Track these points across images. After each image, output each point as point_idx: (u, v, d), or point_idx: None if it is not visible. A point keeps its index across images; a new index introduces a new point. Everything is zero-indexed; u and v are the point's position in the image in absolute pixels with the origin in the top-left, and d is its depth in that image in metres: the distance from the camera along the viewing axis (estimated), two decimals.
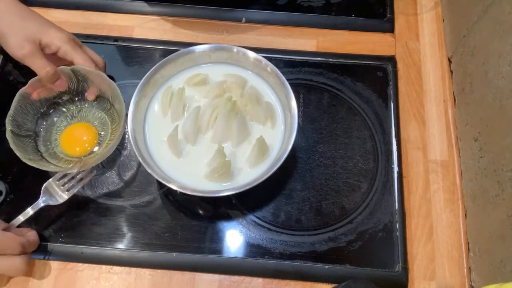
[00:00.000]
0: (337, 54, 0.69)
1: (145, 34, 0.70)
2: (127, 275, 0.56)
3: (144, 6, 0.71)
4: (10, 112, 0.56)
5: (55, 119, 0.61)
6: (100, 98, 0.62)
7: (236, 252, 0.57)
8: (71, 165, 0.58)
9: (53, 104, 0.61)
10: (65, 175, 0.57)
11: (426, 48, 0.70)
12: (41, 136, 0.60)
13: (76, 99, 0.62)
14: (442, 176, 0.61)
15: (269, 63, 0.57)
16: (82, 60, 0.58)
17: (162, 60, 0.57)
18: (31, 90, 0.58)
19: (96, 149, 0.60)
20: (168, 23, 0.71)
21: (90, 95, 0.61)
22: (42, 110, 0.60)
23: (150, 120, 0.57)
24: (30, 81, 0.57)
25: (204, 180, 0.54)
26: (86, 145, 0.60)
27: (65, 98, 0.62)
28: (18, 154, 0.54)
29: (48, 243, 0.56)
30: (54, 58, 0.58)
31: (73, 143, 0.60)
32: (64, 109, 0.62)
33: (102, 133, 0.61)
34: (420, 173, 0.61)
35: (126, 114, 0.56)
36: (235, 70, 0.60)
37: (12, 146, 0.54)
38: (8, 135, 0.54)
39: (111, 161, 0.61)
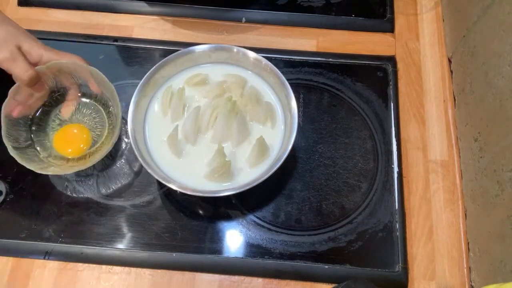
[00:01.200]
0: (337, 54, 0.69)
1: (145, 34, 0.70)
2: (127, 275, 0.56)
3: (144, 6, 0.71)
4: (2, 129, 0.55)
5: (46, 121, 0.61)
6: (84, 87, 0.61)
7: (236, 252, 0.57)
8: (82, 161, 0.58)
9: (39, 107, 0.61)
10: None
11: (426, 48, 0.70)
12: (39, 142, 0.59)
13: (59, 96, 0.61)
14: (442, 176, 0.61)
15: (269, 63, 0.57)
16: (69, 57, 0.57)
17: (162, 60, 0.57)
18: (8, 111, 0.56)
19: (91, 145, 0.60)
20: (168, 23, 0.71)
21: (67, 108, 0.61)
22: (30, 116, 0.60)
23: (150, 120, 0.57)
24: (3, 105, 0.55)
25: (204, 180, 0.54)
26: (82, 145, 0.59)
27: (49, 98, 0.61)
28: (30, 167, 0.53)
29: (48, 243, 0.56)
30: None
31: (66, 145, 0.59)
32: (52, 109, 0.61)
33: (97, 119, 0.61)
34: (420, 173, 0.61)
35: (122, 102, 0.56)
36: (235, 70, 0.60)
37: (21, 162, 0.53)
38: (12, 152, 0.54)
39: (111, 161, 0.61)
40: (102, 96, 0.61)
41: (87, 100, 0.62)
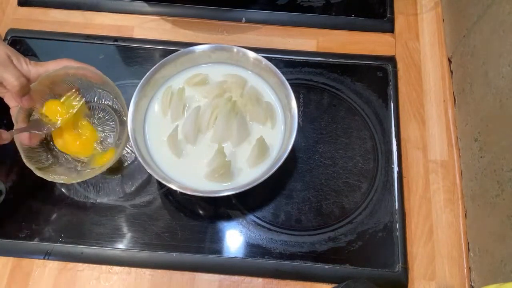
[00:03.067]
0: (337, 54, 0.69)
1: (145, 34, 0.70)
2: (127, 275, 0.56)
3: (144, 6, 0.71)
4: (22, 155, 0.53)
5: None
6: (83, 90, 0.59)
7: (236, 252, 0.57)
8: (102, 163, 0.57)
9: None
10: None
11: (426, 48, 0.70)
12: (62, 156, 0.58)
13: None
14: (442, 176, 0.61)
15: (269, 63, 0.57)
16: (56, 64, 0.55)
17: (162, 60, 0.57)
18: (22, 138, 0.54)
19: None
20: (168, 23, 0.71)
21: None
22: (44, 136, 0.58)
23: (150, 120, 0.57)
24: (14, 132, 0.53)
25: (204, 180, 0.54)
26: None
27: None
28: (64, 181, 0.53)
29: (48, 243, 0.56)
30: None
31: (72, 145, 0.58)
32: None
33: (107, 117, 0.60)
34: (420, 173, 0.61)
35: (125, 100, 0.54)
36: (235, 70, 0.60)
37: (52, 180, 0.53)
38: (39, 173, 0.53)
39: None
40: (105, 94, 0.60)
41: (93, 103, 0.61)
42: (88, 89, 0.60)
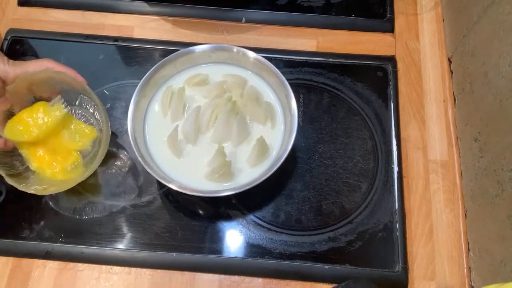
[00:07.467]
0: (337, 54, 0.69)
1: (145, 34, 0.70)
2: (127, 275, 0.56)
3: (144, 6, 0.71)
4: None
5: None
6: (65, 93, 0.57)
7: (236, 252, 0.57)
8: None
9: None
10: None
11: (426, 48, 0.70)
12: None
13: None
14: (442, 176, 0.61)
15: (269, 63, 0.57)
16: (36, 65, 0.53)
17: (162, 60, 0.57)
18: (1, 146, 0.52)
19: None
20: (168, 23, 0.71)
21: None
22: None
23: (150, 120, 0.57)
24: None
25: (204, 180, 0.54)
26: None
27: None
28: (35, 192, 0.51)
29: (48, 243, 0.56)
30: None
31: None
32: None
33: (91, 121, 0.59)
34: (420, 173, 0.61)
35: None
36: (235, 70, 0.60)
37: (23, 189, 0.51)
38: (10, 181, 0.51)
39: (111, 161, 0.61)
40: (87, 100, 0.58)
41: (72, 106, 0.59)
42: (69, 93, 0.58)
